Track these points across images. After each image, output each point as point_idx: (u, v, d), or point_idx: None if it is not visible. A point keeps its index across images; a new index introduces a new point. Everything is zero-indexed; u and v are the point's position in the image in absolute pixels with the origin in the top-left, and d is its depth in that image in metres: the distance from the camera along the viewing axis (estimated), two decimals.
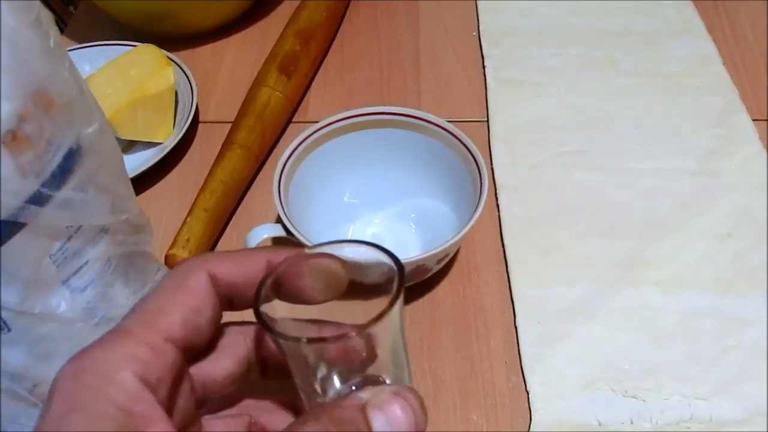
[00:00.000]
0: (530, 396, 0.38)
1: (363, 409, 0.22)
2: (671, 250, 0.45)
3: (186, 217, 0.45)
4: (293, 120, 0.55)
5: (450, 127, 0.43)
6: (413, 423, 0.22)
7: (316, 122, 0.44)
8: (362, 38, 0.62)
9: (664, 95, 0.55)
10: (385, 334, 0.23)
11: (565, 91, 0.55)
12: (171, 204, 0.49)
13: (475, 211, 0.38)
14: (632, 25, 0.61)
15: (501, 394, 0.39)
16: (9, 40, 0.25)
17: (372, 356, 0.24)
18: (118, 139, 0.51)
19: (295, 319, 0.26)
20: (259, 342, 0.27)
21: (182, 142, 0.52)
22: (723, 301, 0.42)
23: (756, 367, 0.39)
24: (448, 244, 0.38)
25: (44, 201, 0.29)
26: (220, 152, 0.49)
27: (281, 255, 0.25)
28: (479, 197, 0.39)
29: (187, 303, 0.24)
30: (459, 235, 0.38)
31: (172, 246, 0.43)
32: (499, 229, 0.47)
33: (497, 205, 0.48)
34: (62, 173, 0.30)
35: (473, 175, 0.41)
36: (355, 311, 0.24)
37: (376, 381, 0.24)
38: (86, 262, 0.34)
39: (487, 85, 0.56)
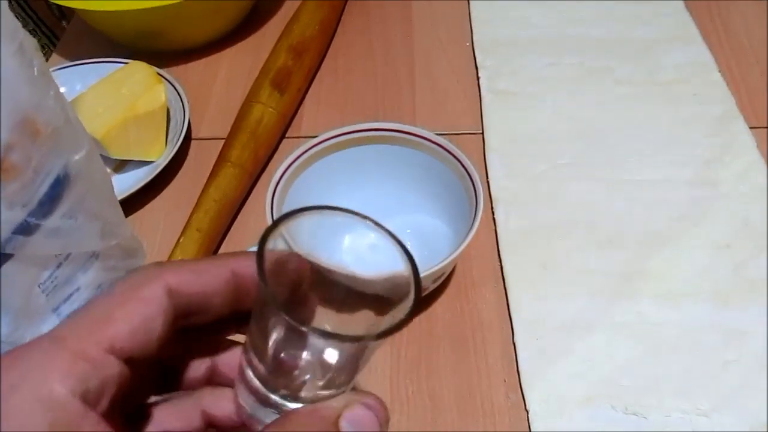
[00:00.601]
0: (530, 414, 0.38)
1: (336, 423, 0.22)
2: (670, 262, 0.44)
3: (179, 238, 0.44)
4: (287, 135, 0.55)
5: (445, 142, 0.42)
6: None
7: (310, 137, 0.43)
8: (355, 50, 0.62)
9: (661, 104, 0.54)
10: (375, 346, 0.23)
11: (560, 101, 0.55)
12: (165, 223, 0.49)
13: (470, 229, 0.38)
14: (628, 33, 0.60)
15: (500, 413, 0.39)
16: None
17: (349, 360, 0.23)
18: (111, 159, 0.51)
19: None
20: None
21: (175, 160, 0.51)
22: (723, 313, 0.42)
23: (756, 380, 0.39)
24: (444, 263, 0.37)
25: (32, 230, 0.29)
26: (213, 170, 0.49)
27: (247, 264, 0.24)
28: (475, 215, 0.39)
29: (137, 313, 0.22)
30: (455, 254, 0.38)
31: None
32: (495, 242, 0.46)
33: (494, 219, 0.47)
34: (50, 201, 0.29)
35: (469, 192, 0.41)
36: (335, 318, 0.24)
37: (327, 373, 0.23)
38: (77, 289, 0.34)
39: (482, 97, 0.56)
